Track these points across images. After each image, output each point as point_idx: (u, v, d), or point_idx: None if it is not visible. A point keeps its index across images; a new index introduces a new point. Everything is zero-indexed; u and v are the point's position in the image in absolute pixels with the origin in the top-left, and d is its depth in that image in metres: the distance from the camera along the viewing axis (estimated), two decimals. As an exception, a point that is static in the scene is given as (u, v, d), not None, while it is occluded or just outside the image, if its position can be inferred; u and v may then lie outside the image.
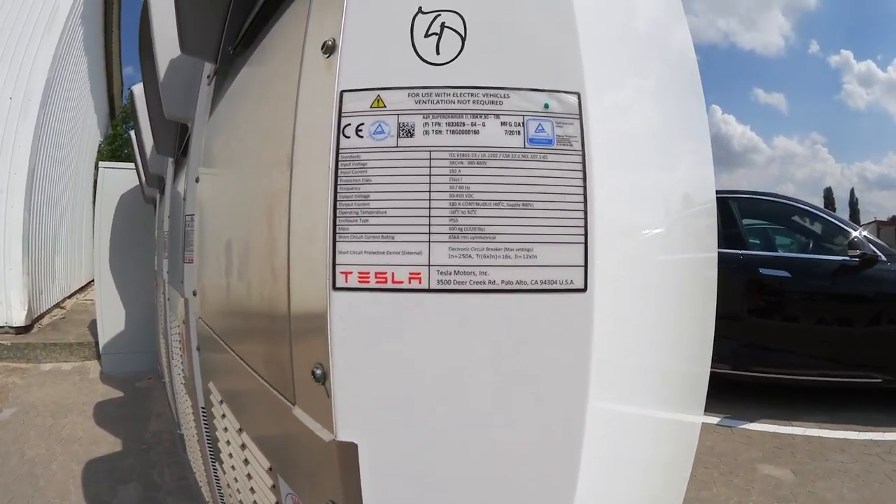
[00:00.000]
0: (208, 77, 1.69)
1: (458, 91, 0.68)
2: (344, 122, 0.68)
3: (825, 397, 4.10)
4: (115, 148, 11.48)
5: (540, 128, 0.67)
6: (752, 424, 3.73)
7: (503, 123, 0.67)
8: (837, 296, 4.06)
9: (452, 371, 0.67)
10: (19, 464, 3.14)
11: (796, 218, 4.71)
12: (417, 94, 0.68)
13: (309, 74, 0.77)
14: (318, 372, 0.71)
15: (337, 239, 0.67)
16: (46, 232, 7.16)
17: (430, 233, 0.66)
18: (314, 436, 0.73)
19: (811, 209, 4.68)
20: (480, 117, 0.67)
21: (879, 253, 3.96)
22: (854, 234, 4.19)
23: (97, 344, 5.46)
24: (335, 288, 0.68)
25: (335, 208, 0.68)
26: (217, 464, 1.55)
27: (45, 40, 6.54)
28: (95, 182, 5.52)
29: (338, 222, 0.67)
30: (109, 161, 9.55)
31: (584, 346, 0.65)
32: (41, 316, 6.70)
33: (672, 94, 0.94)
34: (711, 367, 1.02)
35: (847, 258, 4.01)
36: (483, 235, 0.66)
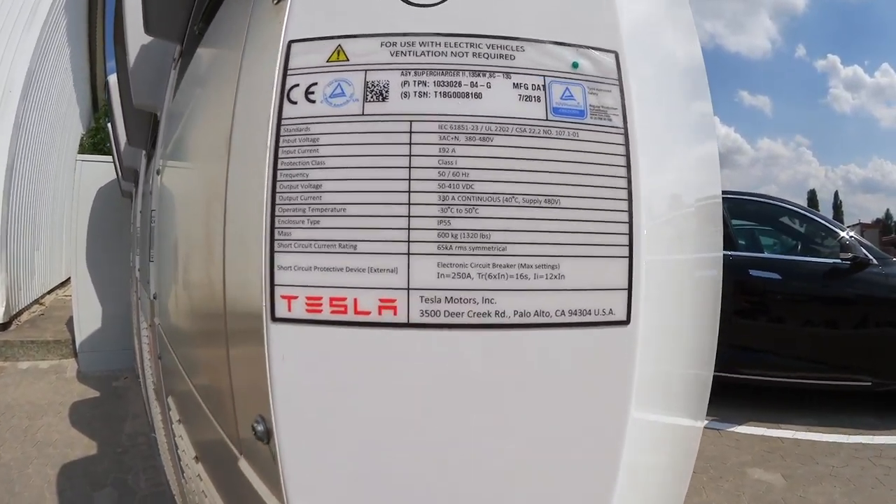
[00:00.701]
0: (174, 60, 1.60)
1: (453, 40, 0.47)
2: (290, 82, 0.47)
3: (813, 400, 4.07)
4: (98, 141, 11.25)
5: (568, 94, 0.47)
6: (739, 427, 3.68)
7: (516, 85, 0.47)
8: (827, 298, 4.05)
9: (444, 439, 0.47)
10: (-5, 467, 3.09)
11: (785, 219, 4.70)
12: (394, 44, 0.47)
13: (255, 31, 0.57)
14: (260, 428, 0.51)
15: (275, 248, 0.47)
16: (26, 227, 7.03)
17: (409, 240, 0.45)
18: (262, 500, 0.54)
19: (800, 210, 4.69)
20: (484, 75, 0.47)
21: (870, 256, 3.96)
22: (843, 234, 4.18)
23: (74, 342, 5.35)
24: (273, 318, 0.47)
25: (272, 204, 0.47)
26: (185, 480, 1.44)
27: (27, 31, 6.43)
28: (74, 174, 5.42)
29: (276, 224, 0.47)
30: (91, 153, 9.45)
31: (623, 400, 0.46)
32: (20, 313, 6.58)
33: (687, 89, 0.78)
34: None
35: (838, 261, 3.99)
36: (488, 244, 0.45)
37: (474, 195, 0.45)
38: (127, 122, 2.87)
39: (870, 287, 3.88)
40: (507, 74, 0.47)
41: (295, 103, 0.47)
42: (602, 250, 0.46)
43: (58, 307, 7.47)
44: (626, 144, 0.47)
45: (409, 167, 0.46)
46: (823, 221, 4.54)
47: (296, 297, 0.47)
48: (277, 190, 0.47)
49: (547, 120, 0.46)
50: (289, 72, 0.47)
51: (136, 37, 1.76)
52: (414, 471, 0.47)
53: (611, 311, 0.46)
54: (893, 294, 3.83)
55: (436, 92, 0.46)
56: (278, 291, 0.47)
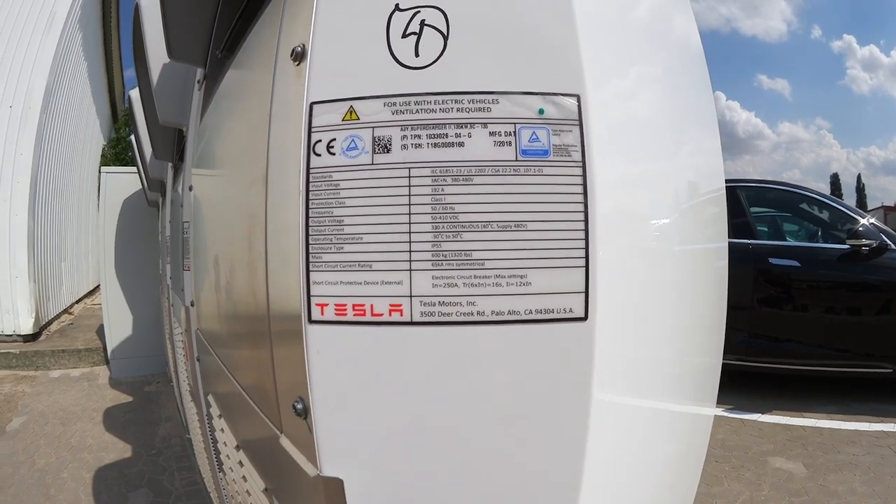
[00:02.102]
0: (198, 82, 1.68)
1: (440, 98, 0.60)
2: (314, 138, 0.61)
3: (835, 388, 4.05)
4: (119, 151, 11.46)
5: (534, 137, 0.59)
6: (763, 416, 3.68)
7: (492, 133, 0.59)
8: (847, 285, 3.99)
9: (439, 410, 0.61)
10: (30, 473, 3.13)
11: (804, 206, 4.65)
12: (394, 104, 0.60)
13: (281, 85, 0.70)
14: (299, 406, 0.66)
15: (311, 269, 0.61)
16: (52, 238, 7.17)
17: (410, 260, 0.59)
18: (300, 468, 0.68)
19: (819, 197, 4.61)
20: (466, 127, 0.59)
21: (889, 241, 3.89)
22: (862, 221, 4.10)
23: (105, 349, 5.46)
24: (311, 321, 0.61)
25: (307, 235, 0.61)
26: (222, 473, 1.53)
27: (42, 47, 6.53)
28: (100, 186, 5.51)
29: (311, 251, 0.61)
30: (113, 163, 9.60)
31: (584, 381, 0.58)
32: (49, 322, 6.71)
33: (679, 84, 0.87)
34: (723, 359, 0.97)
35: (857, 247, 3.92)
36: (470, 261, 0.58)
37: (459, 223, 0.59)
38: (152, 136, 2.92)
39: (890, 273, 3.83)
40: (485, 124, 0.59)
41: (319, 155, 0.61)
42: (562, 262, 0.58)
43: (86, 316, 7.57)
44: (584, 175, 0.59)
45: (409, 204, 0.59)
46: (842, 207, 4.45)
47: (327, 305, 0.61)
48: (310, 224, 0.61)
49: (517, 160, 0.59)
50: (313, 129, 0.61)
51: (158, 57, 1.85)
52: (418, 436, 0.62)
53: (570, 310, 0.58)
54: (914, 280, 3.71)
55: (428, 143, 0.59)
56: (313, 300, 0.61)
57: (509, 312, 0.58)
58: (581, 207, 0.59)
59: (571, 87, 0.61)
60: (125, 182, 5.36)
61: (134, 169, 5.13)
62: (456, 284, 0.59)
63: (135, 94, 3.29)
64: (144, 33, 1.87)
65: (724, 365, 0.98)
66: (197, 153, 1.61)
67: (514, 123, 0.60)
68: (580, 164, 0.59)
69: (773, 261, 4.13)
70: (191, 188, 1.65)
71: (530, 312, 0.58)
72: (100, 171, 5.91)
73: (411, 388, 0.61)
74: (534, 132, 0.59)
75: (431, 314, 0.59)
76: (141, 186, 4.85)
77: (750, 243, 4.20)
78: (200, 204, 1.50)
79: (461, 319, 0.59)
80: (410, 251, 0.59)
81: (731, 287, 0.96)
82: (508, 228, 0.58)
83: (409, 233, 0.59)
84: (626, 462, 0.69)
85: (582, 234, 0.58)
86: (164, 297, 3.54)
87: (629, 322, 0.66)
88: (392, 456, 0.63)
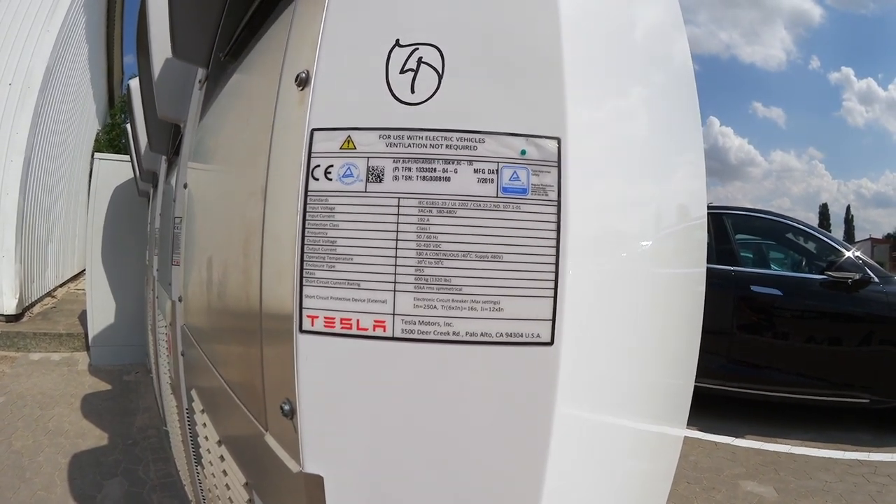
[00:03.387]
0: (200, 82, 1.70)
1: (431, 134, 0.65)
2: (313, 163, 0.66)
3: (812, 415, 4.10)
4: (113, 137, 11.44)
5: (515, 176, 0.64)
6: (737, 440, 3.72)
7: (476, 171, 0.65)
8: (828, 315, 4.07)
9: (415, 418, 0.67)
10: (6, 454, 3.16)
11: (790, 236, 4.73)
12: (389, 136, 0.66)
13: (284, 106, 0.75)
14: (287, 407, 0.71)
15: (304, 283, 0.66)
16: (41, 219, 7.16)
17: (395, 282, 0.64)
18: (283, 465, 0.74)
19: (805, 228, 4.70)
20: (453, 163, 0.65)
21: (872, 274, 3.98)
22: (847, 254, 4.19)
23: (86, 335, 5.46)
24: (301, 330, 0.67)
25: (302, 252, 0.66)
26: (199, 467, 1.56)
27: (46, 29, 6.54)
28: (91, 171, 5.50)
29: (305, 266, 0.66)
30: (107, 149, 9.55)
31: (548, 399, 0.64)
32: (32, 304, 6.69)
33: (666, 116, 0.90)
34: (700, 382, 0.99)
35: (839, 278, 4.01)
36: (449, 287, 0.64)
37: (441, 252, 0.64)
38: (149, 129, 2.93)
39: (870, 305, 3.90)
40: (470, 161, 0.65)
41: (317, 180, 0.66)
42: (532, 291, 0.64)
43: (69, 300, 7.51)
44: (558, 213, 0.64)
45: (397, 231, 0.65)
46: (827, 239, 4.54)
47: (317, 317, 0.67)
48: (305, 242, 0.66)
49: (497, 197, 0.64)
50: (312, 154, 0.66)
51: (161, 51, 1.83)
52: (395, 440, 0.67)
53: (538, 335, 0.64)
54: (893, 313, 3.84)
55: (417, 176, 0.65)
56: (305, 312, 0.67)
57: (482, 334, 0.64)
58: (553, 243, 0.64)
59: (553, 130, 0.66)
60: (117, 169, 5.37)
61: (127, 157, 5.14)
62: (435, 306, 0.64)
63: (134, 84, 3.29)
64: (150, 27, 1.87)
65: (701, 388, 1.01)
66: (194, 152, 1.64)
67: (498, 162, 0.65)
68: (555, 202, 0.65)
69: (754, 288, 4.20)
70: (185, 185, 1.67)
71: (501, 335, 0.64)
72: (93, 157, 5.88)
73: (391, 396, 0.67)
74: (515, 171, 0.65)
75: (412, 332, 0.65)
76: (133, 175, 4.83)
77: (733, 270, 4.27)
78: (195, 203, 1.53)
79: (438, 338, 0.64)
80: (395, 274, 0.65)
81: (712, 312, 0.99)
82: (485, 258, 0.64)
83: (396, 257, 0.65)
84: (589, 474, 0.75)
85: (552, 267, 0.64)
86: (149, 288, 3.55)
87: (596, 347, 0.71)
88: (369, 456, 0.68)
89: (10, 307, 5.99)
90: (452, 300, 0.64)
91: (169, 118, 2.07)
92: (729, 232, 4.49)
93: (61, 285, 8.21)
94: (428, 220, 0.64)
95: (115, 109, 11.90)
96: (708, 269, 1.01)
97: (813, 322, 4.12)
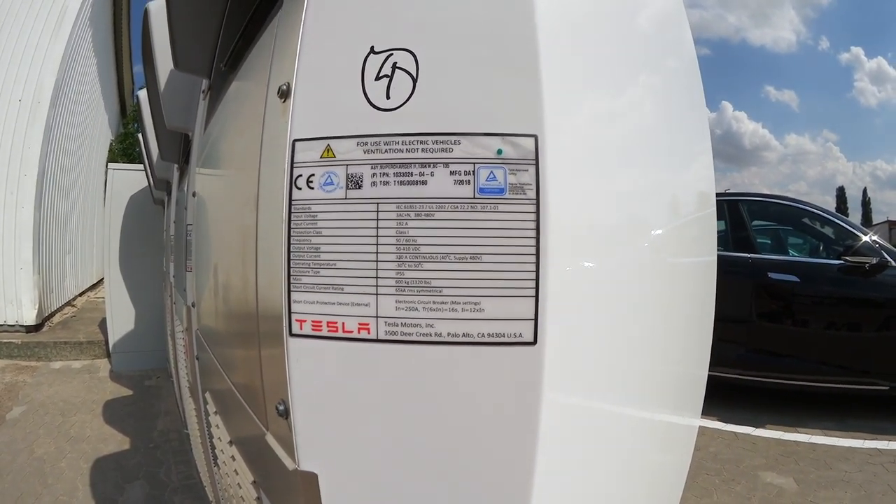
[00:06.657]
0: (203, 92, 1.73)
1: (407, 139, 0.66)
2: (296, 173, 0.68)
3: (832, 404, 4.06)
4: (127, 146, 11.58)
5: (491, 176, 0.65)
6: (756, 430, 3.69)
7: (452, 172, 0.65)
8: (846, 301, 4.00)
9: (401, 416, 0.69)
10: (28, 461, 3.20)
11: (806, 220, 4.65)
12: (366, 143, 0.67)
13: (270, 118, 0.78)
14: (281, 408, 0.74)
15: (291, 288, 0.69)
16: (57, 231, 7.26)
17: (377, 286, 0.66)
18: (282, 463, 0.77)
19: (821, 212, 4.62)
20: (429, 166, 0.66)
21: (890, 258, 3.90)
22: (864, 238, 4.11)
23: (107, 342, 5.54)
24: (291, 334, 0.70)
25: (289, 258, 0.69)
26: (216, 467, 1.59)
27: (53, 43, 6.61)
28: (106, 182, 5.57)
29: (291, 272, 0.69)
30: (121, 158, 9.68)
31: (533, 399, 0.65)
32: (52, 314, 6.79)
33: (654, 108, 0.86)
34: (719, 372, 0.98)
35: (856, 263, 3.93)
36: (429, 289, 0.65)
37: (420, 254, 0.66)
38: (159, 139, 2.98)
39: (888, 290, 3.83)
40: (446, 164, 0.66)
41: (300, 189, 0.68)
42: (513, 292, 0.64)
43: (89, 309, 7.61)
44: (537, 212, 0.65)
45: (377, 235, 0.66)
46: (844, 224, 4.46)
47: (305, 321, 0.69)
48: (291, 250, 0.69)
49: (474, 198, 0.65)
50: (295, 165, 0.68)
51: (166, 63, 1.84)
52: (383, 437, 0.70)
53: (520, 335, 0.65)
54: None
55: (395, 181, 0.66)
56: (293, 316, 0.70)
57: (463, 335, 0.65)
58: (533, 242, 0.64)
59: (529, 127, 0.65)
60: (132, 179, 5.44)
61: (140, 166, 5.19)
62: (416, 308, 0.66)
63: (143, 94, 3.31)
64: (153, 39, 1.92)
65: (720, 378, 0.99)
66: (200, 161, 1.66)
67: (474, 163, 0.65)
68: (534, 201, 0.65)
69: (772, 275, 4.13)
70: (194, 194, 1.71)
71: (483, 336, 0.65)
72: (107, 167, 5.95)
73: (377, 396, 0.69)
74: (491, 172, 0.65)
75: (395, 333, 0.66)
76: (147, 184, 4.90)
77: (750, 257, 4.20)
78: (202, 211, 1.56)
79: (420, 339, 0.66)
80: (377, 277, 0.66)
81: (729, 300, 0.98)
82: (465, 260, 0.65)
83: (377, 261, 0.66)
84: (584, 470, 0.75)
85: (533, 266, 0.64)
86: (167, 294, 3.59)
87: (585, 344, 0.71)
88: (359, 454, 0.71)
89: (30, 318, 6.09)
90: (433, 302, 0.65)
91: (177, 128, 2.12)
92: (745, 219, 4.43)
93: (81, 294, 8.33)
94: (406, 223, 0.66)
95: (128, 119, 12.04)
96: (725, 256, 0.99)
97: (831, 308, 4.05)
